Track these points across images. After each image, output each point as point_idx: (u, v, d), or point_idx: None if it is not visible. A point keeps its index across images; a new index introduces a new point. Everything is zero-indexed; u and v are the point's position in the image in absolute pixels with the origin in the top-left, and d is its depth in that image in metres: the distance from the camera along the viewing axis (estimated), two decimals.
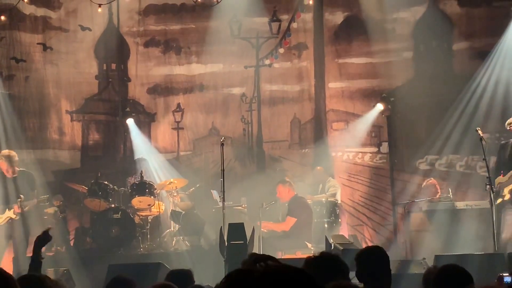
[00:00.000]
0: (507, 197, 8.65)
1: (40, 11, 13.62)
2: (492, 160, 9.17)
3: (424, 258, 8.16)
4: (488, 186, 8.46)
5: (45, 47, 13.57)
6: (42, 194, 10.42)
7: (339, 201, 11.45)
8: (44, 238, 5.48)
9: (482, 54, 12.40)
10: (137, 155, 12.81)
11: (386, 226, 12.14)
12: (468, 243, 9.32)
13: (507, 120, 11.59)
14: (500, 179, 8.79)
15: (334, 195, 11.42)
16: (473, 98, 11.98)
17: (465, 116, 11.78)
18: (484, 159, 8.58)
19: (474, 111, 11.80)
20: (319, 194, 11.49)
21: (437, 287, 3.88)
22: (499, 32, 12.11)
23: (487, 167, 8.51)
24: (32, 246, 5.43)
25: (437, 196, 10.51)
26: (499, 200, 8.72)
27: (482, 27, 12.78)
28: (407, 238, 10.19)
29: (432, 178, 11.12)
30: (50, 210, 11.24)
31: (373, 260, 4.24)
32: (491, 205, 8.25)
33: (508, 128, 8.82)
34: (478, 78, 12.07)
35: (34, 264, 5.23)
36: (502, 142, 9.07)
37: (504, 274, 5.54)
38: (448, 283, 3.78)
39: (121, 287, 4.48)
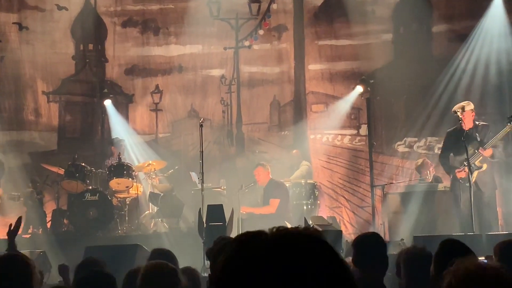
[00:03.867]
0: (473, 180, 8.80)
1: None
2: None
3: (402, 239, 8.21)
4: (465, 168, 8.53)
5: (20, 26, 13.34)
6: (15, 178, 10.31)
7: (312, 180, 11.42)
8: (14, 230, 5.41)
9: (461, 36, 12.44)
10: (114, 137, 12.64)
11: (365, 208, 12.19)
12: (446, 224, 9.39)
13: (486, 102, 11.74)
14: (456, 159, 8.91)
15: (303, 176, 11.38)
16: (452, 81, 12.03)
17: (443, 99, 11.83)
18: (463, 141, 8.61)
19: (452, 93, 11.83)
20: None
21: (439, 263, 3.81)
22: (478, 14, 12.14)
23: (466, 149, 8.54)
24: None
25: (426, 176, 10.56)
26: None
27: (462, 10, 12.79)
28: (385, 219, 10.24)
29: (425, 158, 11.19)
30: (26, 192, 11.13)
31: (370, 246, 4.24)
32: (469, 186, 8.30)
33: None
34: (457, 60, 12.12)
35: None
36: (449, 130, 9.23)
37: (480, 258, 5.54)
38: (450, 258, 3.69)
39: (93, 268, 4.41)
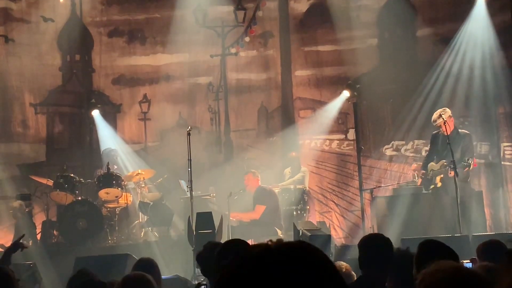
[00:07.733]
0: (439, 185, 8.99)
1: (1, 3, 13.38)
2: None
3: None
4: (450, 170, 8.62)
5: (6, 39, 13.34)
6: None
7: (307, 188, 11.49)
8: (16, 246, 5.55)
9: (446, 40, 12.54)
10: (103, 147, 12.63)
11: (354, 212, 12.25)
12: (434, 226, 9.46)
13: (470, 104, 11.85)
14: (433, 165, 9.10)
15: (301, 181, 11.46)
16: (437, 84, 12.13)
17: (429, 102, 11.91)
18: (448, 144, 8.69)
19: (438, 96, 11.94)
20: (287, 178, 11.53)
21: (420, 264, 3.86)
22: (462, 17, 12.25)
23: (451, 151, 8.62)
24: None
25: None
26: (432, 187, 9.21)
27: (445, 13, 12.91)
28: (374, 223, 10.29)
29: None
30: (16, 204, 11.11)
31: (374, 247, 4.30)
32: (456, 188, 8.37)
33: (434, 125, 9.15)
34: (442, 63, 12.23)
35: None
36: (434, 132, 9.37)
37: (464, 261, 5.58)
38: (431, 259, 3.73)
39: (85, 279, 4.43)
